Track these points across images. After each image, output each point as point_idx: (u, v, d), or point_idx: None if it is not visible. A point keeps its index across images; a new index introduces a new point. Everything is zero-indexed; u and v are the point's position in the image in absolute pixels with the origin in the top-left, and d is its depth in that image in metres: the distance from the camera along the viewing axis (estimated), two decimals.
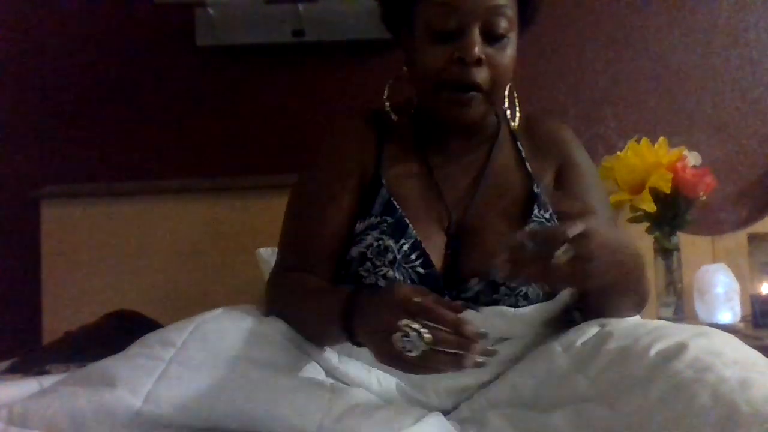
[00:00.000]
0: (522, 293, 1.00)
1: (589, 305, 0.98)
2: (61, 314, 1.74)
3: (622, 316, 0.95)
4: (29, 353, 1.40)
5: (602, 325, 0.93)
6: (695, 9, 1.96)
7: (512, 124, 1.10)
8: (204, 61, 1.92)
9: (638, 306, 0.97)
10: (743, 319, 1.66)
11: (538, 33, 1.95)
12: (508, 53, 1.01)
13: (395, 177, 1.07)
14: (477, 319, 0.95)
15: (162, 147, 1.92)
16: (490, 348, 0.78)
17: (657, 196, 1.57)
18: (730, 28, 1.96)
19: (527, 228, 0.97)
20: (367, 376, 0.96)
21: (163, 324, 1.43)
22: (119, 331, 1.43)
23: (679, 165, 1.60)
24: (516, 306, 0.99)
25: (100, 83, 1.93)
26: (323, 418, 0.81)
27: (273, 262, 1.13)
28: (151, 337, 0.92)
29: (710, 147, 1.88)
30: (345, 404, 0.84)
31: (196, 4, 1.83)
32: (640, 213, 1.61)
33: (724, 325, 1.56)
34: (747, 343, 0.83)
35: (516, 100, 1.10)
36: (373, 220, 1.03)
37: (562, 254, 0.75)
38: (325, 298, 0.95)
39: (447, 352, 0.75)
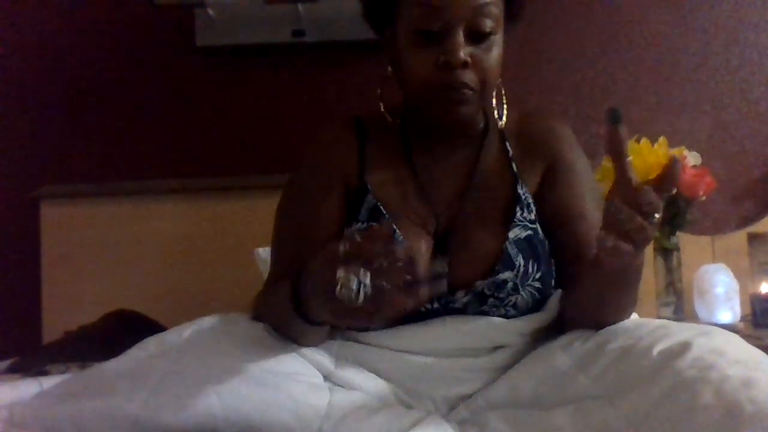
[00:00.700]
0: (511, 303, 0.98)
1: (584, 309, 0.94)
2: (61, 314, 1.74)
3: (615, 320, 0.91)
4: (29, 353, 1.40)
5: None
6: (695, 9, 1.97)
7: (500, 123, 1.06)
8: (204, 61, 1.92)
9: (631, 307, 0.94)
10: (743, 318, 1.66)
11: (538, 33, 1.97)
12: (494, 53, 0.98)
13: (380, 182, 1.05)
14: (468, 326, 0.95)
15: (162, 147, 1.92)
16: (439, 270, 0.73)
17: None
18: (730, 28, 1.97)
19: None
20: (364, 381, 0.95)
21: (162, 324, 1.44)
22: (119, 331, 1.43)
23: None
24: (506, 317, 0.98)
25: (100, 83, 1.93)
26: (322, 422, 0.81)
27: None
28: (150, 342, 0.91)
29: (710, 147, 1.89)
30: (343, 408, 0.83)
31: (196, 4, 1.83)
32: None
33: (724, 324, 1.56)
34: (747, 342, 0.83)
35: (504, 99, 1.06)
36: (360, 226, 1.01)
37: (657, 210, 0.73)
38: (281, 288, 0.91)
39: (395, 286, 0.69)
